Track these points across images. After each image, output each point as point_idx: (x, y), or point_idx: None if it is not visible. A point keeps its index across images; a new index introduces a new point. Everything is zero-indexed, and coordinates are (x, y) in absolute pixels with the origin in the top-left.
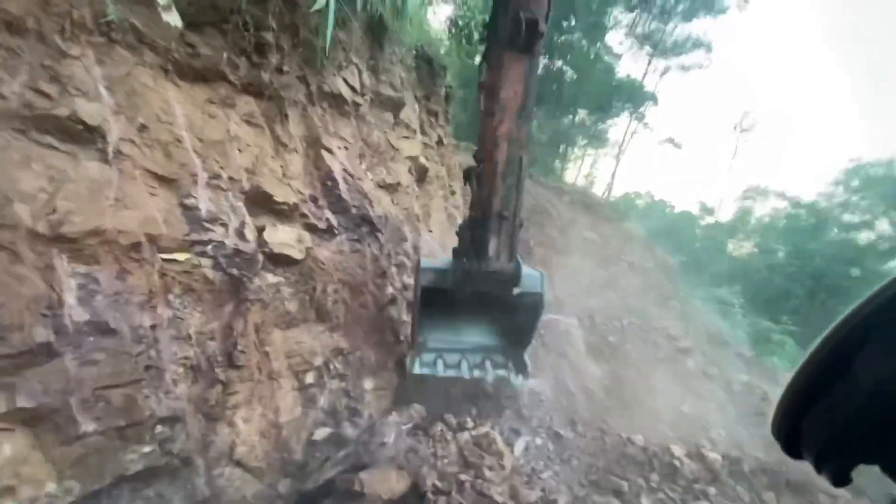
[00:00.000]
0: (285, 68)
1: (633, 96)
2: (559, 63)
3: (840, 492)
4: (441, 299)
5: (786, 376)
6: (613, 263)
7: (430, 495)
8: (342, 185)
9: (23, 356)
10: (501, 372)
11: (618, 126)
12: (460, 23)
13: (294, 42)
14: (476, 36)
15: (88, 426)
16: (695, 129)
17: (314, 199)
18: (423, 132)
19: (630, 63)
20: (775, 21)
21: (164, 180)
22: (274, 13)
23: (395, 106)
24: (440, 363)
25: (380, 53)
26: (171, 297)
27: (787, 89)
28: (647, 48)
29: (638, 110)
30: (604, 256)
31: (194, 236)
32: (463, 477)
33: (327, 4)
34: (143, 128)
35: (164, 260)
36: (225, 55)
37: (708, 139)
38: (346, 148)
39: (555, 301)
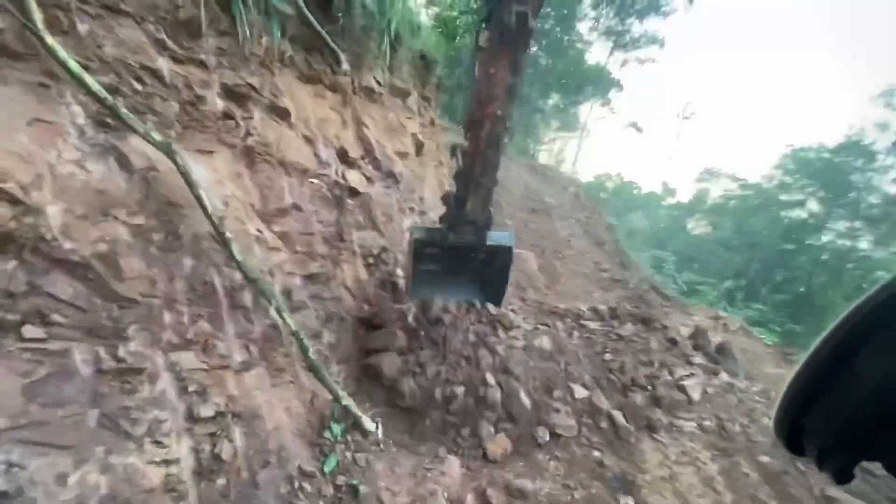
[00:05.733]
0: (347, 73)
1: (601, 81)
2: (534, 48)
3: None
4: (430, 257)
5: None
6: (564, 219)
7: (442, 316)
8: (376, 150)
9: (288, 209)
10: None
11: (585, 111)
12: (447, 22)
13: (349, 55)
14: (460, 33)
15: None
16: (651, 116)
17: (363, 158)
18: (420, 114)
19: (595, 55)
20: (722, 21)
21: (308, 139)
22: (345, 40)
23: (404, 94)
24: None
25: (394, 55)
26: (314, 199)
27: (732, 82)
28: (609, 42)
29: (605, 95)
30: (558, 214)
31: (320, 171)
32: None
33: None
34: (298, 111)
35: (310, 182)
36: (322, 67)
37: (662, 126)
38: (375, 125)
39: (518, 241)
